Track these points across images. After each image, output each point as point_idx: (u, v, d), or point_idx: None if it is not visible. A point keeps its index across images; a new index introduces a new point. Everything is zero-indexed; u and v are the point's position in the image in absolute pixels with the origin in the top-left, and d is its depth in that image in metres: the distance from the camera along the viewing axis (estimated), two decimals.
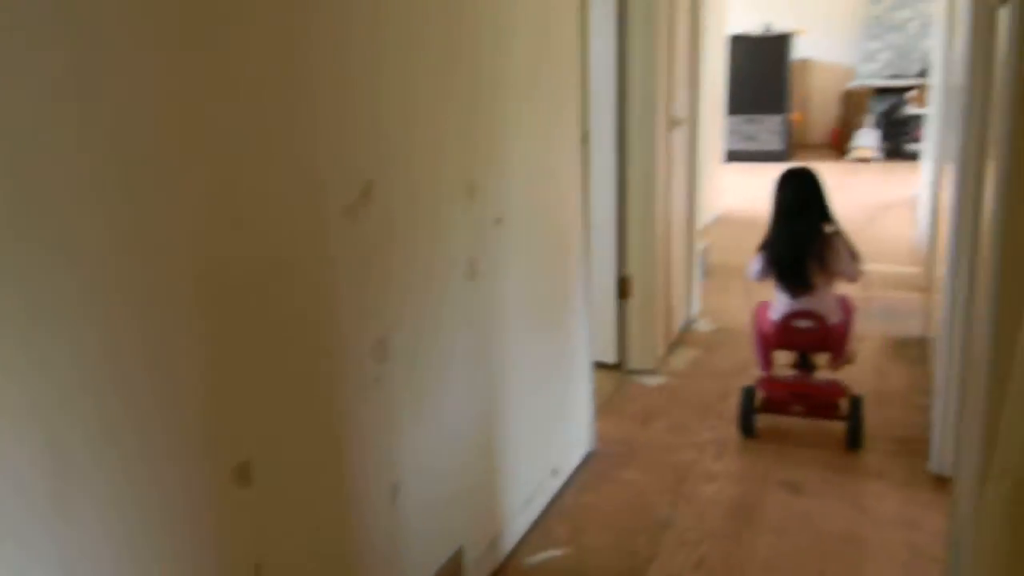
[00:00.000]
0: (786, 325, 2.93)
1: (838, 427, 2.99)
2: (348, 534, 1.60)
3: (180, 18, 1.15)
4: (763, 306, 3.15)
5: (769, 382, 3.03)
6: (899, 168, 8.84)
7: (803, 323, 2.90)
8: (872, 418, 3.07)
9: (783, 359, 3.15)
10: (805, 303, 2.90)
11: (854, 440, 2.91)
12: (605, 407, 3.22)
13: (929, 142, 6.63)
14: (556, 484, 2.62)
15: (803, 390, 2.98)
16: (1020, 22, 1.32)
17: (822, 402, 2.97)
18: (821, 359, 3.08)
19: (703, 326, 4.21)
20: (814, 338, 2.93)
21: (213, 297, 1.24)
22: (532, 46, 2.26)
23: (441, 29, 1.80)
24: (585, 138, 2.66)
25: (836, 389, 2.97)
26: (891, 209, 6.72)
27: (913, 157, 8.66)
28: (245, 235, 1.30)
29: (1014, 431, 1.02)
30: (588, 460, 2.85)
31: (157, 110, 1.13)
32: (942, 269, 3.23)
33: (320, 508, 1.52)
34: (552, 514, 2.52)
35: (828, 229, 2.89)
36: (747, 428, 3.02)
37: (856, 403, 2.93)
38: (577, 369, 2.78)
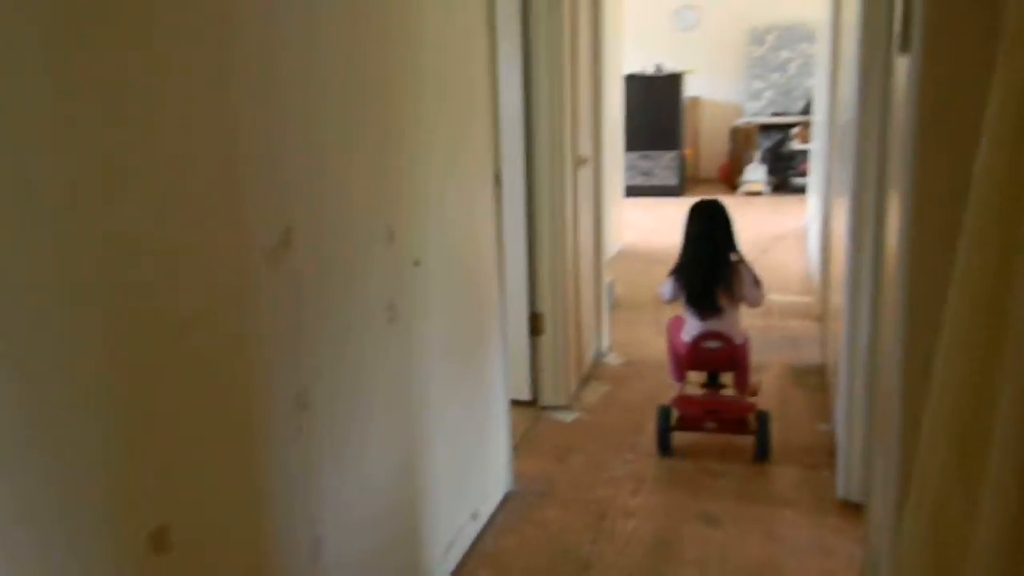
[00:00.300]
0: (696, 346, 3.11)
1: (747, 444, 3.14)
2: None
3: (91, 58, 1.09)
4: (675, 320, 3.34)
5: (683, 401, 3.19)
6: (787, 201, 9.25)
7: (712, 344, 3.10)
8: (779, 444, 3.16)
9: (694, 378, 3.31)
10: (713, 325, 3.10)
11: (762, 453, 3.08)
12: (521, 445, 3.21)
13: (815, 176, 6.97)
14: (476, 527, 2.58)
15: (714, 407, 3.16)
16: (920, 70, 1.39)
17: (732, 417, 3.15)
18: (727, 378, 3.26)
19: (613, 360, 4.26)
20: (722, 357, 3.13)
21: (124, 355, 1.17)
22: (443, 89, 2.26)
23: (352, 73, 1.77)
24: (498, 179, 2.67)
25: (745, 405, 3.16)
26: (782, 240, 7.01)
27: (800, 190, 9.08)
28: (160, 286, 1.23)
29: (930, 460, 1.06)
30: (507, 501, 2.83)
31: (67, 152, 1.06)
32: (836, 298, 3.37)
33: (241, 568, 1.45)
34: (473, 559, 2.47)
35: (733, 257, 3.11)
36: (664, 447, 3.15)
37: (763, 417, 3.10)
38: (495, 408, 2.76)
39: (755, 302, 3.14)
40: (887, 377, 1.72)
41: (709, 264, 3.09)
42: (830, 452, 3.13)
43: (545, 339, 3.56)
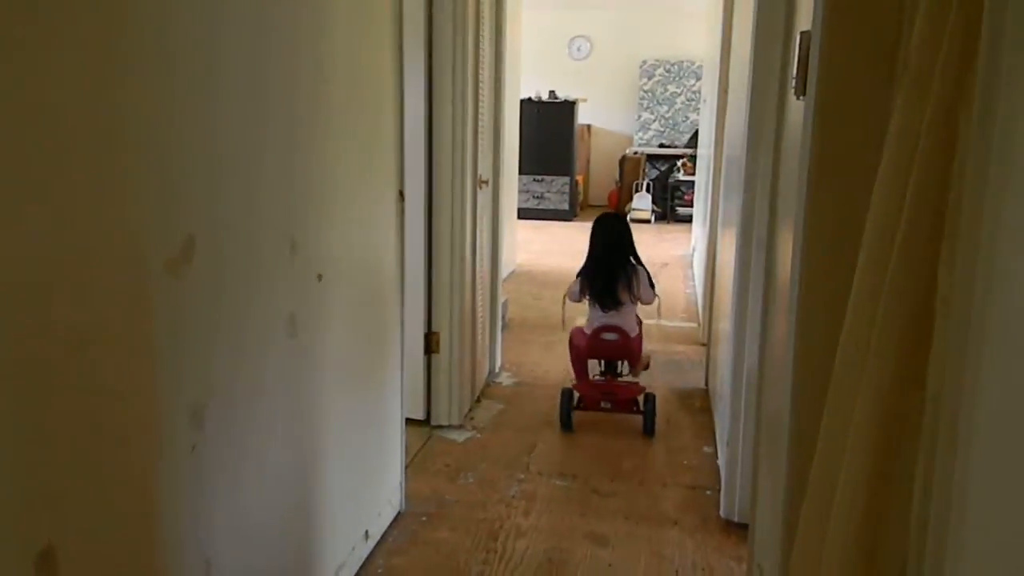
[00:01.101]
0: (596, 336, 3.61)
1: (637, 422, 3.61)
2: None
3: None
4: (577, 330, 3.81)
5: (583, 384, 3.72)
6: (672, 229, 9.57)
7: (610, 336, 3.60)
8: (665, 466, 3.25)
9: (593, 369, 3.76)
10: (612, 318, 3.61)
11: (649, 428, 3.60)
12: (413, 464, 3.18)
13: (699, 206, 7.25)
14: (368, 548, 2.54)
15: (609, 389, 3.69)
16: (815, 113, 1.48)
17: (625, 398, 3.66)
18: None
19: (505, 379, 4.29)
20: (618, 348, 3.63)
21: (10, 367, 1.10)
22: (351, 103, 2.24)
23: (258, 79, 1.73)
24: (401, 195, 2.66)
25: (635, 388, 3.69)
26: (667, 267, 7.24)
27: (684, 219, 9.41)
28: (48, 293, 1.17)
29: (827, 470, 1.12)
30: (398, 520, 2.79)
31: None
32: (722, 324, 3.52)
33: None
34: None
35: (632, 261, 3.67)
36: (566, 423, 3.65)
37: (650, 398, 3.62)
38: (390, 427, 2.73)
39: (649, 300, 3.66)
40: (775, 398, 1.80)
41: (611, 265, 3.61)
42: (714, 474, 3.24)
43: (440, 358, 3.55)
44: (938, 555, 0.72)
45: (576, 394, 3.67)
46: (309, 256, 1.97)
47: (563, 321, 4.19)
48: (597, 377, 3.75)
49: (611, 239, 3.66)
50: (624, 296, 3.59)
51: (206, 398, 1.55)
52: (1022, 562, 0.59)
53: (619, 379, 3.72)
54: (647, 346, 3.90)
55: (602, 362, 3.74)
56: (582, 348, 3.68)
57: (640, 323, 3.77)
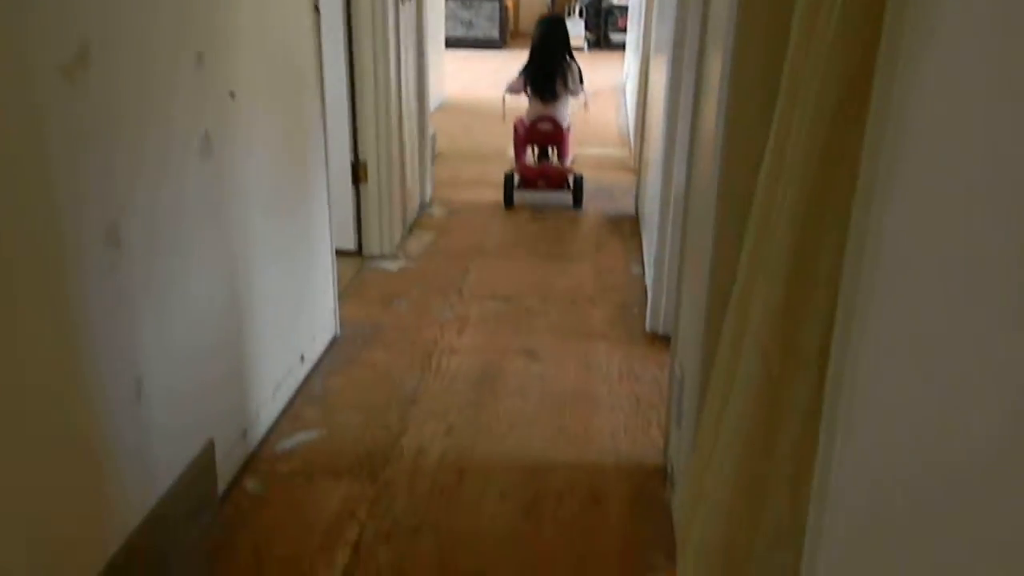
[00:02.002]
0: (534, 126, 4.25)
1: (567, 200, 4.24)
2: (92, 432, 1.48)
3: None
4: (519, 120, 4.36)
5: (522, 167, 4.32)
6: (605, 57, 9.39)
7: (545, 125, 4.23)
8: (595, 286, 3.34)
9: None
10: (549, 110, 4.21)
11: (577, 201, 4.28)
12: (347, 292, 3.21)
13: (632, 32, 7.08)
14: (304, 370, 2.59)
15: (545, 171, 4.34)
16: None
17: (557, 178, 4.32)
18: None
19: (437, 211, 4.28)
20: (551, 136, 4.27)
21: None
22: None
23: None
24: (316, 7, 2.52)
25: (565, 169, 4.35)
26: (599, 95, 7.15)
27: (618, 46, 9.21)
28: None
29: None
30: (334, 345, 2.84)
31: None
32: (652, 150, 3.52)
33: (60, 408, 1.39)
34: (302, 399, 2.49)
35: (568, 58, 4.20)
36: (508, 199, 4.28)
37: (578, 178, 4.29)
38: (320, 252, 2.72)
39: (577, 93, 4.26)
40: (700, 219, 1.84)
41: (551, 61, 4.17)
42: (641, 293, 3.34)
43: (369, 188, 3.51)
44: (848, 342, 0.76)
45: (516, 176, 4.27)
46: (218, 71, 1.88)
47: (503, 114, 4.49)
48: (533, 163, 4.37)
49: (551, 37, 4.21)
50: (560, 89, 4.17)
51: (117, 216, 1.50)
52: (920, 340, 0.63)
53: (552, 163, 4.36)
54: (575, 149, 4.52)
55: (536, 150, 4.36)
56: (522, 135, 4.27)
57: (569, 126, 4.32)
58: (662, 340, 2.92)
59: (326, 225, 2.77)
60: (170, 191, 1.70)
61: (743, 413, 0.98)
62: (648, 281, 3.34)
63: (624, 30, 9.03)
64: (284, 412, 2.41)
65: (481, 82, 7.84)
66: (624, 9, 9.39)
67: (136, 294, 1.59)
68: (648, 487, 2.12)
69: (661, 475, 2.17)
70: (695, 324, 1.74)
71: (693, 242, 1.98)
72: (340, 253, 3.14)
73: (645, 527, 1.97)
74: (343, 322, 2.95)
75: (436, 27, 6.37)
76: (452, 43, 8.39)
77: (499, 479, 2.14)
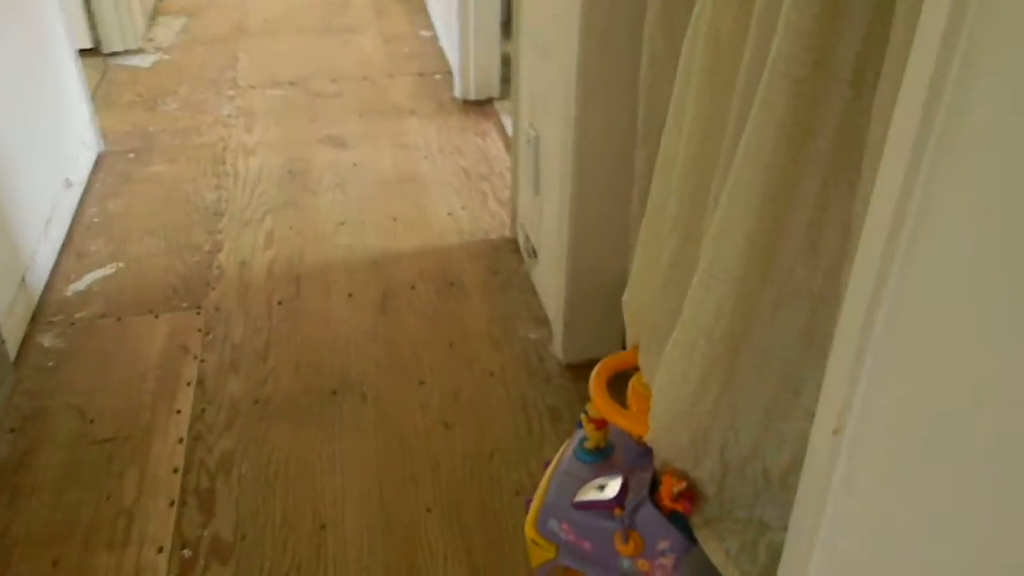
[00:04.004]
0: None
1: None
2: None
3: None
4: None
5: None
6: None
7: None
8: (386, 58, 3.03)
9: None
10: None
11: None
12: (98, 100, 2.69)
13: None
14: (74, 196, 2.16)
15: None
16: None
17: None
18: None
19: None
20: None
21: None
22: None
23: None
24: None
25: None
26: None
27: None
28: None
29: None
30: (101, 162, 2.39)
31: None
32: None
33: None
34: (81, 231, 2.09)
35: None
36: None
37: None
38: (60, 60, 2.21)
39: None
40: None
41: None
42: (439, 58, 3.07)
43: None
44: None
45: None
46: None
47: None
48: None
49: None
50: None
51: None
52: None
53: None
54: None
55: None
56: None
57: None
58: (475, 105, 2.71)
59: (59, 17, 2.22)
60: None
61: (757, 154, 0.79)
62: (445, 43, 3.06)
63: None
64: (64, 250, 2.02)
65: None
66: None
67: None
68: (501, 261, 2.00)
69: (511, 247, 2.05)
70: (560, 73, 1.55)
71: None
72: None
73: (507, 301, 1.87)
74: (105, 134, 2.48)
75: None
76: None
77: (341, 280, 1.93)
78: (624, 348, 1.23)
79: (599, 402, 1.10)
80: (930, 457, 0.61)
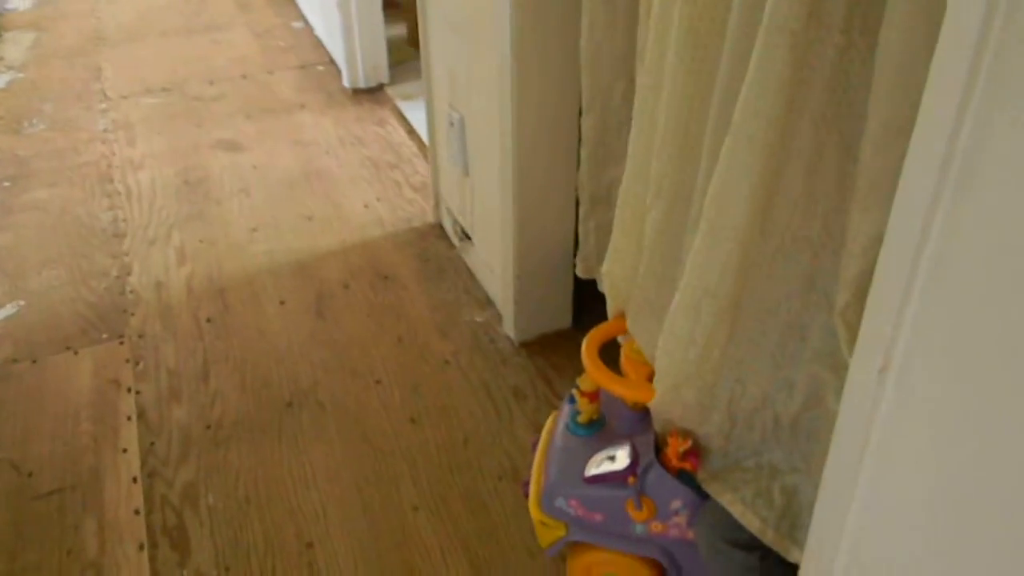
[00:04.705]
0: None
1: None
2: None
3: None
4: None
5: None
6: None
7: None
8: (260, 52, 2.91)
9: None
10: None
11: None
12: None
13: None
14: None
15: None
16: None
17: None
18: None
19: (21, 2, 3.37)
20: None
21: None
22: None
23: None
24: None
25: None
26: None
27: None
28: None
29: None
30: None
31: None
32: None
33: None
34: None
35: None
36: None
37: None
38: None
39: None
40: None
41: None
42: (316, 46, 2.97)
43: None
44: None
45: None
46: None
47: None
48: None
49: None
50: None
51: None
52: None
53: None
54: None
55: None
56: None
57: None
58: (367, 93, 2.65)
59: None
60: None
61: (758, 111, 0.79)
62: (322, 33, 2.97)
63: None
64: None
65: None
66: None
67: None
68: (430, 248, 1.97)
69: (437, 232, 2.01)
70: (486, 50, 1.52)
71: None
72: None
73: (446, 287, 1.84)
74: None
75: None
76: None
77: (269, 288, 1.85)
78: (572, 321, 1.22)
79: (596, 374, 1.10)
80: (985, 389, 0.62)
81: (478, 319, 1.75)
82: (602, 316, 1.21)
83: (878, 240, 0.79)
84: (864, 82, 0.76)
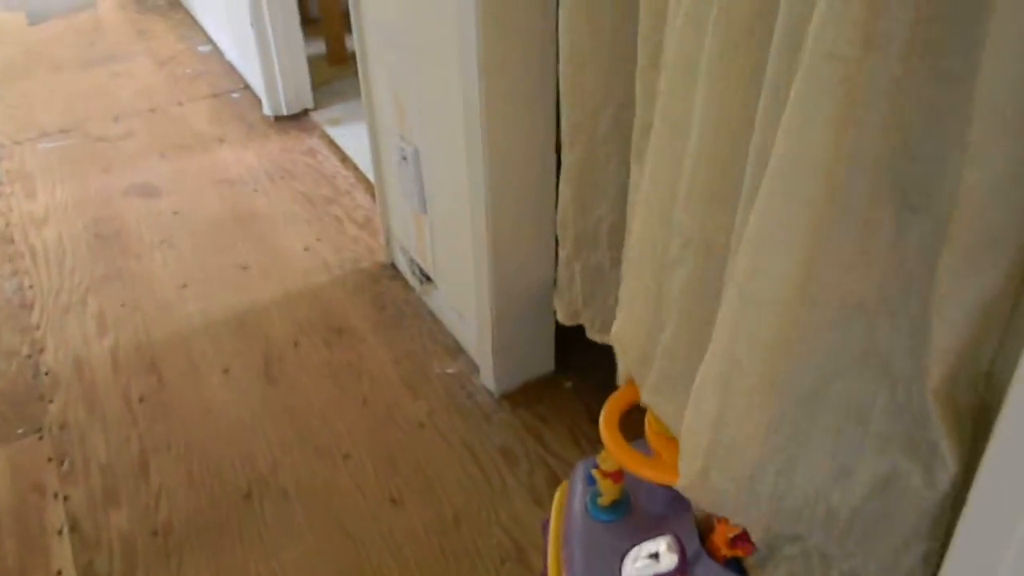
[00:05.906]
0: None
1: None
2: None
3: None
4: None
5: None
6: None
7: None
8: (168, 82, 2.67)
9: None
10: None
11: None
12: None
13: None
14: None
15: None
16: None
17: None
18: None
19: None
20: None
21: None
22: None
23: None
24: None
25: None
26: None
27: None
28: None
29: None
30: None
31: None
32: None
33: None
34: None
35: None
36: None
37: None
38: None
39: None
40: None
41: None
42: (228, 71, 2.74)
43: None
44: None
45: None
46: None
47: None
48: None
49: None
50: None
51: None
52: None
53: None
54: None
55: None
56: None
57: None
58: (291, 120, 2.45)
59: None
60: None
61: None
62: (233, 56, 2.74)
63: None
64: None
65: None
66: None
67: None
68: (385, 292, 1.78)
69: (390, 273, 1.83)
70: (445, 75, 1.35)
71: None
72: None
73: (408, 336, 1.66)
74: None
75: None
76: None
77: (208, 354, 1.64)
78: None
79: (619, 454, 0.94)
80: None
81: (450, 370, 1.57)
82: (585, 356, 1.06)
83: (985, 307, 0.65)
84: (923, 118, 0.62)
